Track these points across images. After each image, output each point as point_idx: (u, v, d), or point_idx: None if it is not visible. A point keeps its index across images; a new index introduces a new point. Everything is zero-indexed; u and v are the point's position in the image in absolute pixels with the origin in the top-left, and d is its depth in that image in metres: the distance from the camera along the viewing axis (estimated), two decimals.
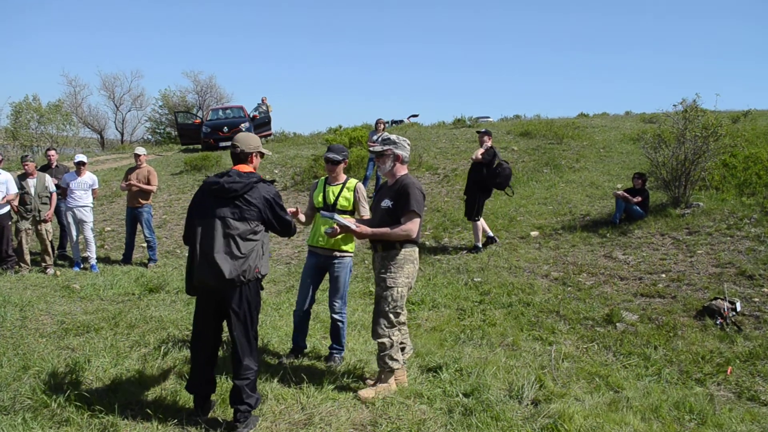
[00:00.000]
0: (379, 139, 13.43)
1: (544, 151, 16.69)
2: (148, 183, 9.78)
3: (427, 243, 10.37)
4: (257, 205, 3.95)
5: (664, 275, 7.65)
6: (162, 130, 40.27)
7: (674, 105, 10.47)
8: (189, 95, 43.23)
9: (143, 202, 9.73)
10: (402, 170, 4.62)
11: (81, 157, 9.75)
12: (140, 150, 10.00)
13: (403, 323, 4.60)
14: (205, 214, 3.94)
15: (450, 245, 10.15)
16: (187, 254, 4.12)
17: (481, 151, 9.62)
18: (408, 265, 4.45)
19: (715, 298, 6.56)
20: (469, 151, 17.32)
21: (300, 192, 14.32)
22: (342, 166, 5.28)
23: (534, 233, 10.04)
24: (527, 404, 4.47)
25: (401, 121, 33.22)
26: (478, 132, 10.38)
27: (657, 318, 6.50)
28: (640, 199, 9.68)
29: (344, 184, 5.30)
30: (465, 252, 9.55)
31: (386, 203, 4.50)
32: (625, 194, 9.74)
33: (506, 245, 9.64)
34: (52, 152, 10.46)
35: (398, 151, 4.57)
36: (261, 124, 24.44)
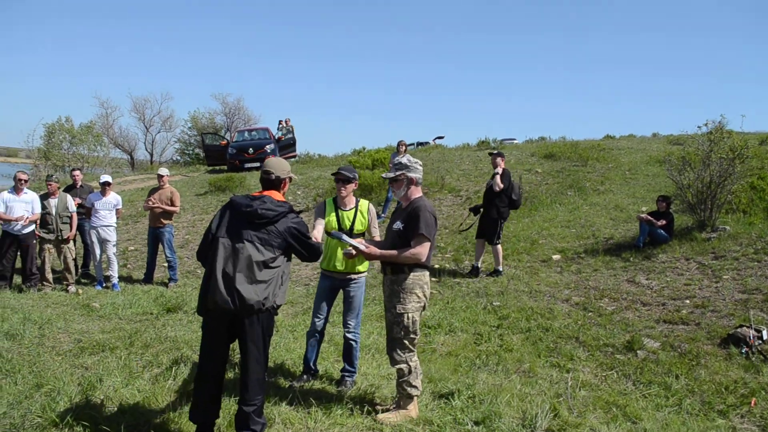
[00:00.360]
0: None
1: (569, 174, 16.52)
2: (171, 204, 9.90)
3: (447, 266, 10.28)
4: (283, 234, 3.93)
5: (688, 301, 7.45)
6: (191, 151, 40.87)
7: (699, 126, 10.30)
8: (217, 117, 43.98)
9: (165, 222, 9.85)
10: (416, 192, 4.56)
11: (106, 178, 9.91)
12: (163, 171, 10.15)
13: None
14: (230, 235, 3.88)
15: (470, 268, 10.03)
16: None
17: (499, 176, 9.49)
18: (417, 290, 4.38)
19: (741, 326, 6.35)
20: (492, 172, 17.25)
21: None
22: (352, 186, 5.24)
23: (556, 257, 9.89)
24: None
25: (427, 143, 33.22)
26: (490, 154, 10.19)
27: (680, 345, 6.31)
28: (664, 222, 9.49)
29: (357, 207, 5.28)
30: (485, 275, 9.41)
31: (397, 225, 4.46)
32: (649, 217, 9.56)
33: (527, 269, 9.51)
34: (77, 172, 10.65)
35: (411, 174, 4.52)
36: (286, 145, 24.68)
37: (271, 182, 4.13)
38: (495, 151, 10.18)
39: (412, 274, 4.37)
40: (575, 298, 8.06)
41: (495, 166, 9.71)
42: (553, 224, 11.97)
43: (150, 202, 9.78)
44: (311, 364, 5.43)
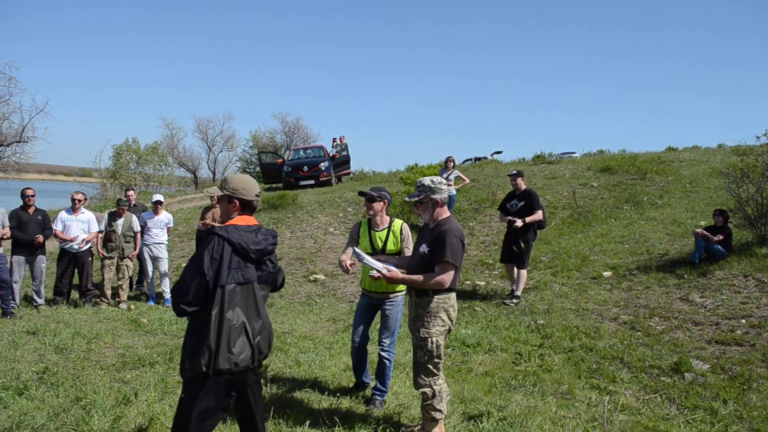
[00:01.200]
0: (449, 176, 13.33)
1: (625, 187, 16.03)
2: None
3: (494, 282, 10.11)
4: (274, 263, 3.65)
5: (743, 320, 7.06)
6: (252, 170, 41.82)
7: (758, 137, 9.82)
8: (277, 136, 45.00)
9: None
10: (443, 213, 4.44)
11: (158, 197, 10.25)
12: (212, 190, 10.39)
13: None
14: (236, 280, 3.35)
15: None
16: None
17: (539, 217, 8.98)
18: (442, 314, 4.29)
19: None
20: (546, 188, 16.94)
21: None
22: (381, 205, 5.23)
23: (607, 273, 9.57)
24: None
25: (484, 158, 32.94)
26: (509, 175, 9.56)
27: (731, 368, 5.96)
28: (721, 237, 9.05)
29: (389, 228, 5.25)
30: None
31: (423, 249, 4.36)
32: (705, 232, 9.14)
33: (576, 286, 9.24)
34: (131, 192, 11.05)
35: (436, 196, 4.39)
36: (341, 162, 24.97)
37: (253, 207, 3.67)
38: (514, 171, 9.57)
39: (436, 297, 4.28)
40: (624, 316, 7.76)
41: (515, 187, 9.32)
42: (606, 240, 11.61)
43: (204, 221, 10.03)
44: (361, 378, 5.52)
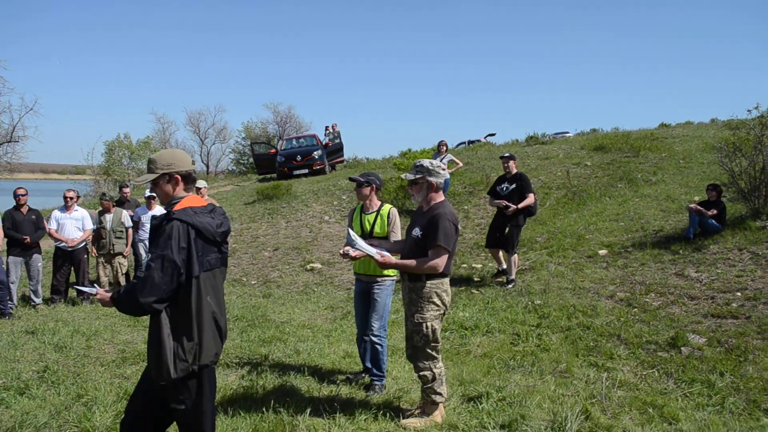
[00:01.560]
0: (443, 160, 13.32)
1: (619, 165, 16.04)
2: None
3: (490, 265, 10.13)
4: (227, 244, 3.41)
5: (739, 293, 7.11)
6: (245, 161, 41.74)
7: (749, 110, 9.82)
8: (270, 126, 44.89)
9: None
10: (437, 197, 4.44)
11: (151, 192, 10.22)
12: (201, 183, 10.39)
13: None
14: (204, 267, 3.12)
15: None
16: (208, 317, 3.14)
17: (531, 201, 8.87)
18: (435, 298, 4.30)
19: None
20: (540, 168, 16.95)
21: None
22: (369, 189, 5.27)
23: (602, 252, 9.60)
24: None
25: (478, 141, 32.90)
26: (502, 157, 9.44)
27: (727, 341, 6.01)
28: (715, 211, 9.07)
29: (378, 211, 5.28)
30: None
31: (416, 232, 4.37)
32: (699, 207, 9.16)
33: (572, 265, 9.27)
34: (126, 189, 11.05)
35: (432, 179, 4.39)
36: (334, 150, 24.91)
37: (196, 185, 3.44)
38: (507, 154, 9.45)
39: (429, 282, 4.28)
40: (620, 293, 7.80)
41: (506, 170, 9.21)
42: (600, 218, 11.64)
43: None
44: (364, 364, 5.55)
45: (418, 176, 4.42)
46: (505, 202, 8.88)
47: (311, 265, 11.51)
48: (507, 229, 8.98)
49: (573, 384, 5.35)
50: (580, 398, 4.93)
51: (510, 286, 8.82)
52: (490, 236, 9.26)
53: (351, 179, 5.35)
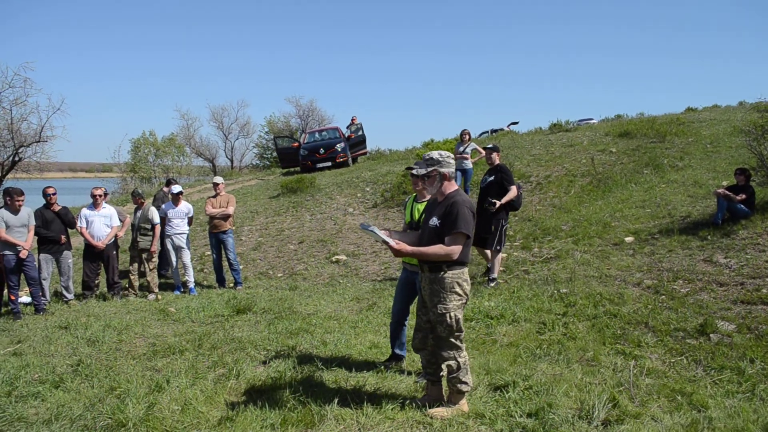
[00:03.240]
0: (466, 149, 13.27)
1: (645, 151, 15.84)
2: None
3: (515, 254, 10.10)
4: None
5: None
6: (269, 155, 42.00)
7: None
8: (292, 120, 45.06)
9: (227, 227, 10.20)
10: (451, 187, 4.47)
11: (177, 188, 10.37)
12: (218, 179, 10.54)
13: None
14: None
15: (540, 255, 9.81)
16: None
17: (513, 194, 8.64)
18: (457, 288, 4.32)
19: None
20: (565, 156, 16.81)
21: (389, 208, 14.43)
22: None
23: (629, 239, 9.50)
24: (596, 425, 4.20)
25: (501, 130, 32.72)
26: (485, 148, 9.17)
27: (757, 327, 5.93)
28: (744, 196, 8.92)
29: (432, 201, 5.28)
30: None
31: (434, 222, 4.39)
32: (727, 192, 9.01)
33: (598, 253, 9.19)
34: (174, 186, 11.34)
35: (443, 170, 4.43)
36: (357, 143, 24.96)
37: None
38: (490, 145, 9.18)
39: (450, 272, 4.30)
40: (647, 281, 7.73)
41: (489, 161, 8.94)
42: (626, 205, 11.52)
43: (211, 211, 10.17)
44: (395, 350, 5.68)
45: (430, 169, 4.45)
46: (490, 200, 8.56)
47: (336, 257, 11.58)
48: (490, 228, 8.61)
49: (600, 372, 5.33)
50: (608, 386, 4.91)
51: (492, 284, 8.63)
52: (476, 236, 8.44)
53: (408, 169, 5.33)
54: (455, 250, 4.21)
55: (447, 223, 4.27)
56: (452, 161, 4.49)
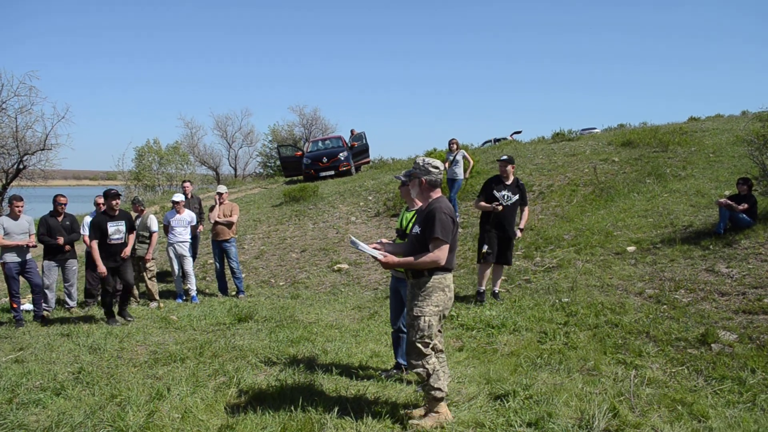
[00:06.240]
0: (456, 157, 13.22)
1: (647, 161, 15.85)
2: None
3: (517, 263, 10.09)
4: None
5: None
6: (272, 164, 42.07)
7: None
8: (296, 128, 45.13)
9: (230, 235, 10.22)
10: (434, 194, 4.48)
11: (178, 197, 10.38)
12: (222, 189, 10.58)
13: (440, 351, 4.51)
14: None
15: (541, 265, 9.81)
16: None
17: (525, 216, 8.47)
18: (437, 293, 4.31)
19: None
20: (567, 165, 16.82)
21: (392, 217, 14.44)
22: (406, 189, 5.28)
23: (631, 248, 9.50)
24: None
25: (504, 139, 32.75)
26: (499, 160, 8.33)
27: (759, 337, 5.92)
28: (746, 206, 8.92)
29: (418, 209, 5.30)
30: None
31: (416, 229, 4.42)
32: (729, 202, 9.01)
33: (600, 262, 9.19)
34: (187, 184, 11.38)
35: (425, 177, 4.43)
36: (360, 152, 25.03)
37: None
38: (505, 157, 8.36)
39: (432, 277, 4.30)
40: (649, 290, 7.72)
41: (504, 174, 8.22)
42: (628, 214, 11.51)
43: (216, 217, 10.20)
44: (397, 359, 5.70)
45: (411, 175, 4.51)
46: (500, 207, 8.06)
47: (338, 265, 11.59)
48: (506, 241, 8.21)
49: (601, 382, 5.32)
50: (608, 396, 4.90)
51: (497, 299, 8.31)
52: (496, 253, 8.18)
53: (397, 177, 5.38)
54: (440, 256, 4.21)
55: (425, 229, 4.28)
56: (436, 170, 4.45)
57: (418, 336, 4.32)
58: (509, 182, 8.23)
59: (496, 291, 8.44)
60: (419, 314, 4.30)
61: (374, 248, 4.56)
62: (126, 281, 8.58)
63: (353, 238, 4.55)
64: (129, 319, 8.53)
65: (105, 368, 6.19)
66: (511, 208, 8.19)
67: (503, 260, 8.32)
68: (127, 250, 8.56)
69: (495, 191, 8.18)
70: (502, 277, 8.82)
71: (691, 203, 11.35)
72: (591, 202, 13.26)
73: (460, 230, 12.72)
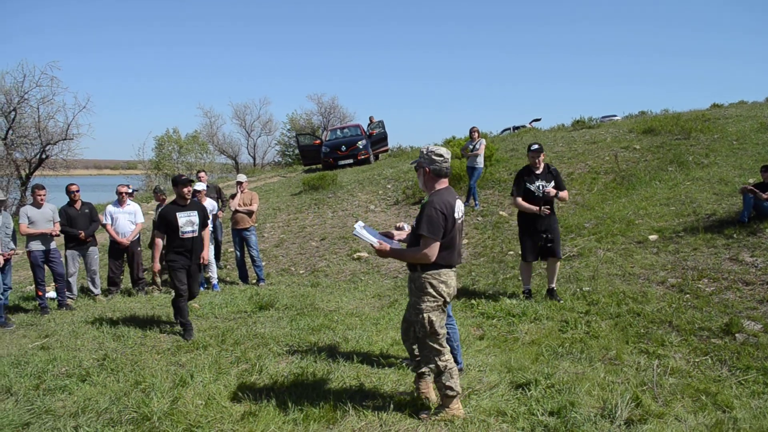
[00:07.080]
0: (476, 146, 13.12)
1: (669, 148, 15.64)
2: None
3: None
4: None
5: None
6: (291, 153, 42.19)
7: None
8: (314, 117, 45.19)
9: (250, 224, 10.28)
10: (439, 184, 4.33)
11: (200, 186, 10.44)
12: (241, 177, 10.64)
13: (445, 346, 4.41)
14: None
15: (562, 253, 9.72)
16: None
17: (552, 191, 7.63)
18: (429, 289, 4.20)
19: None
20: (587, 153, 16.66)
21: (411, 206, 14.42)
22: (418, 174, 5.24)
23: (653, 237, 9.40)
24: (619, 424, 4.18)
25: (523, 126, 32.46)
26: (530, 150, 7.78)
27: None
28: None
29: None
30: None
31: (414, 222, 4.36)
32: (753, 189, 8.87)
33: (621, 251, 9.11)
34: (203, 174, 11.46)
35: (427, 165, 4.29)
36: (378, 140, 24.98)
37: None
38: (536, 146, 7.79)
39: (424, 273, 4.20)
40: (671, 279, 7.65)
41: (534, 164, 7.74)
42: (650, 203, 11.39)
43: (236, 206, 10.25)
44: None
45: (414, 163, 4.43)
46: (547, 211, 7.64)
47: (358, 254, 11.61)
48: (546, 235, 7.67)
49: (623, 371, 5.29)
50: (631, 385, 4.88)
51: (554, 299, 7.68)
52: (534, 247, 7.80)
53: (411, 164, 5.35)
54: (429, 253, 4.08)
55: (417, 224, 4.21)
56: (437, 158, 4.30)
57: (422, 333, 4.27)
58: (539, 171, 7.78)
59: (552, 287, 7.80)
60: (418, 311, 4.24)
61: (386, 234, 4.54)
62: (192, 294, 7.38)
63: (357, 228, 4.46)
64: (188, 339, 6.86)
65: (129, 355, 6.28)
66: (549, 201, 7.72)
67: (551, 254, 7.75)
68: (205, 255, 7.52)
69: (527, 184, 7.75)
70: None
71: (714, 191, 11.19)
72: (612, 191, 13.13)
73: (479, 219, 12.67)
